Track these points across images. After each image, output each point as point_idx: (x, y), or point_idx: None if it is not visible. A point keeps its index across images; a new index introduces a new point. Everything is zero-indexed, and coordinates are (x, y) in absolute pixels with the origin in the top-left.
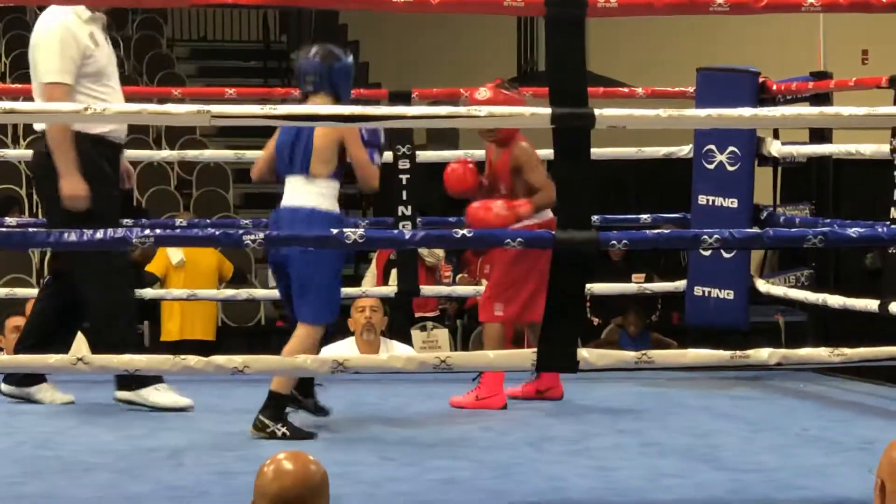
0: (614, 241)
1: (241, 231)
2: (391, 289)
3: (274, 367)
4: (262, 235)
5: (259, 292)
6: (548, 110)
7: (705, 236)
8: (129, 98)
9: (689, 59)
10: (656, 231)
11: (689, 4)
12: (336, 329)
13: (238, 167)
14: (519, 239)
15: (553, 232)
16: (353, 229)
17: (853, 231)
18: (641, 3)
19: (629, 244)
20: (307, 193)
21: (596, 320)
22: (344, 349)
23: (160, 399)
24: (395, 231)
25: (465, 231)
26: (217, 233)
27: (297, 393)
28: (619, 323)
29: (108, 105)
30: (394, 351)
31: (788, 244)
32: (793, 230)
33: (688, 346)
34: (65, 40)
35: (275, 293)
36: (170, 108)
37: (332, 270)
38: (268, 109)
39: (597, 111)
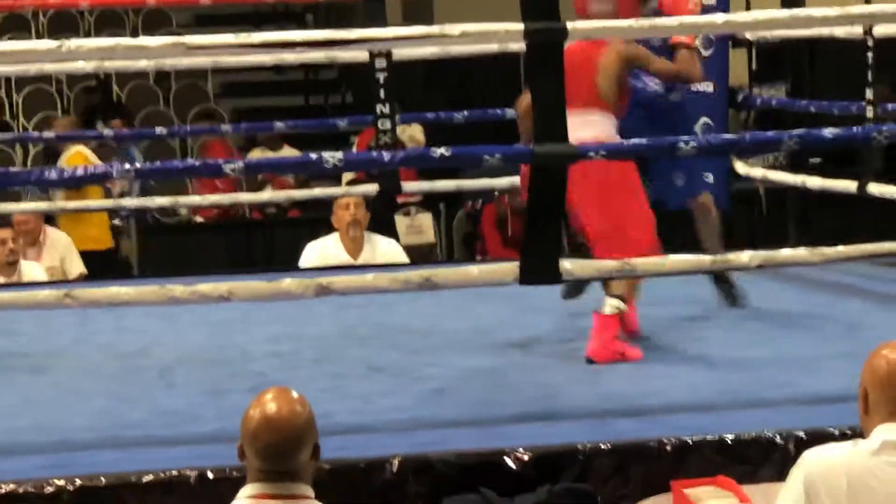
0: (592, 153)
1: (221, 161)
2: (373, 186)
3: (258, 292)
4: (241, 164)
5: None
6: (520, 25)
7: (681, 143)
8: None
9: None
10: (633, 141)
11: None
12: None
13: None
14: (497, 154)
15: (532, 147)
16: (331, 153)
17: (828, 132)
18: None
19: (607, 155)
20: None
21: None
22: (328, 246)
23: None
24: (374, 154)
25: (442, 150)
26: (197, 163)
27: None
28: None
29: (81, 42)
30: (378, 247)
31: (766, 149)
32: (769, 133)
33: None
34: None
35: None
36: (144, 41)
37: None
38: (242, 38)
39: (569, 24)
